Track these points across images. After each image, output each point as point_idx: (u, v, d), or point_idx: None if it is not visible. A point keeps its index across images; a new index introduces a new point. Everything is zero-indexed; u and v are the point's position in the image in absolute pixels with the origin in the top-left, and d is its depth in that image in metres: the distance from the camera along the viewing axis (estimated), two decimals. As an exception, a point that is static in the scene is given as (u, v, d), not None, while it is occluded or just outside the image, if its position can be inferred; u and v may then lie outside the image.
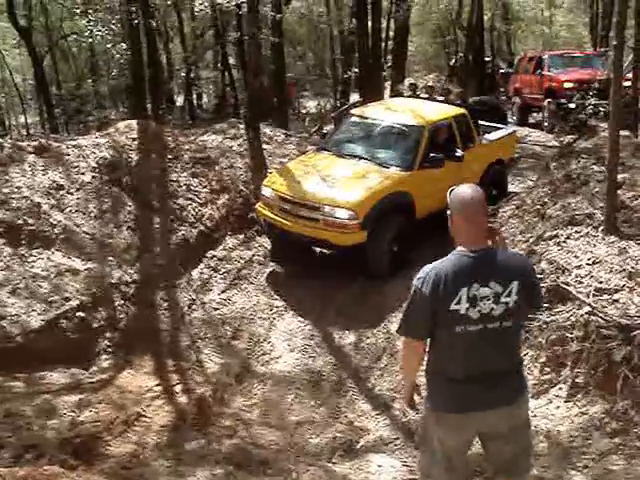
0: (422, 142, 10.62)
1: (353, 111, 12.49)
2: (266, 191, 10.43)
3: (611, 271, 6.98)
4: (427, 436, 4.33)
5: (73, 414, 6.98)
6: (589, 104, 14.71)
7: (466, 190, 4.08)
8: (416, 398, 4.47)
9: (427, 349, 4.20)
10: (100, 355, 8.16)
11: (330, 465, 6.25)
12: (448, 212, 4.12)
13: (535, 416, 6.57)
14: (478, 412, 4.08)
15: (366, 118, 11.71)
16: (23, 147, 10.03)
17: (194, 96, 30.15)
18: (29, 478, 5.23)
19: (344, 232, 9.56)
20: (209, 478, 5.90)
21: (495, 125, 13.38)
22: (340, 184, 9.99)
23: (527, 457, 4.38)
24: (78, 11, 20.34)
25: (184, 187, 10.85)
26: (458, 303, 3.92)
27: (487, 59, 31.62)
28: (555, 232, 7.74)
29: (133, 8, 16.36)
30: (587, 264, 7.14)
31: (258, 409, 7.44)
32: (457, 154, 10.78)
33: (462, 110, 11.87)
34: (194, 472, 6.12)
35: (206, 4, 17.70)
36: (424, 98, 13.43)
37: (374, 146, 11.03)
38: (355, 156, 10.79)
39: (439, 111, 11.88)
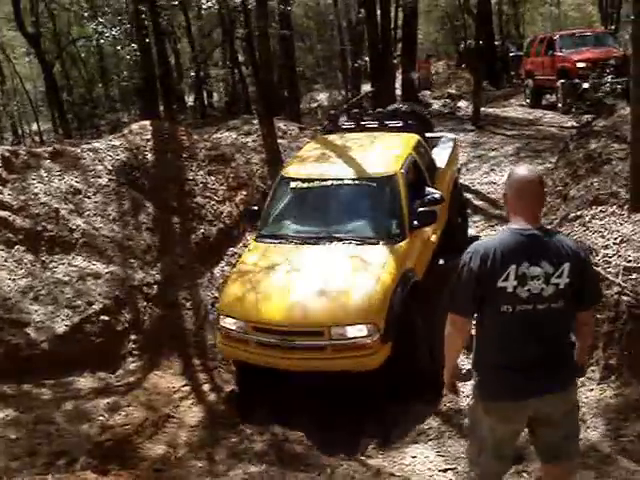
0: (402, 196, 8.12)
1: (284, 172, 9.07)
2: (227, 322, 7.44)
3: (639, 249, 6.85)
4: (475, 424, 4.27)
5: (103, 418, 6.94)
6: (605, 82, 14.55)
7: (523, 170, 4.11)
8: (458, 383, 4.41)
9: (474, 332, 4.13)
10: (126, 358, 8.12)
11: (364, 458, 6.18)
12: (504, 192, 4.16)
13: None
14: (531, 400, 4.02)
15: (309, 180, 8.60)
16: (38, 153, 9.93)
17: (204, 95, 30.13)
18: (63, 485, 5.22)
19: (365, 354, 6.96)
20: (243, 477, 5.84)
21: (433, 136, 11.13)
22: (332, 287, 7.23)
23: (576, 441, 4.32)
24: (86, 14, 20.36)
25: (201, 185, 10.77)
26: (506, 280, 3.85)
27: (497, 43, 31.39)
28: (579, 212, 7.65)
29: (142, 7, 16.30)
30: (614, 243, 7.02)
31: (287, 405, 7.36)
32: (436, 196, 8.45)
33: (417, 137, 9.57)
34: (227, 472, 6.08)
35: (213, 1, 17.57)
36: (349, 128, 10.48)
37: (339, 217, 8.27)
38: (320, 238, 7.97)
39: (395, 147, 9.19)
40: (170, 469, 6.26)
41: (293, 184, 8.68)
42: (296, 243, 8.05)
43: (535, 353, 3.96)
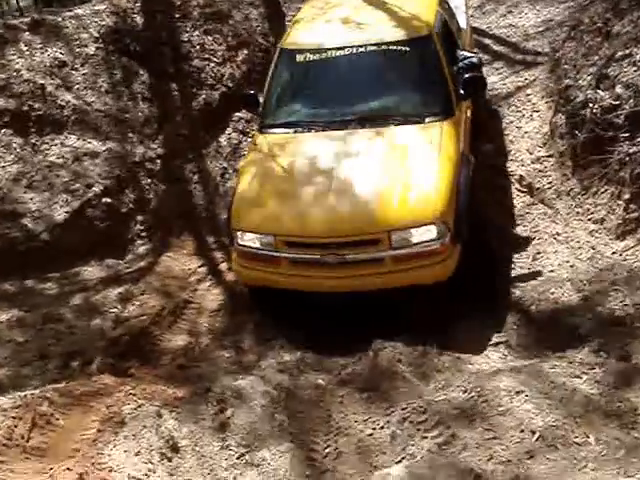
0: (442, 61, 6.70)
1: (286, 43, 7.34)
2: (247, 239, 6.08)
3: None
4: None
5: (116, 310, 6.67)
6: None
7: None
8: None
9: None
10: (134, 241, 7.80)
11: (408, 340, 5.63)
12: None
13: (625, 260, 6.03)
14: None
15: (320, 51, 6.91)
16: (15, 25, 9.15)
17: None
18: (78, 395, 4.81)
19: (434, 263, 5.67)
20: (277, 368, 5.38)
21: None
22: (384, 182, 5.88)
23: None
24: None
25: (198, 47, 9.98)
26: None
27: None
28: (627, 51, 6.83)
29: None
30: (672, 83, 6.32)
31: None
32: (473, 60, 7.12)
33: None
34: (259, 362, 5.65)
35: None
36: None
37: (368, 94, 6.70)
38: (347, 122, 6.51)
39: (420, 3, 7.63)
40: (195, 363, 5.86)
41: (300, 57, 7.01)
42: (317, 130, 6.60)
43: None
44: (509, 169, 7.88)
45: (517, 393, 4.20)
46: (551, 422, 3.94)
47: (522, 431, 3.91)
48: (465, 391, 4.37)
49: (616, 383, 4.15)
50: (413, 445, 3.98)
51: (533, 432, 3.89)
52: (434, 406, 4.25)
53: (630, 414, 3.94)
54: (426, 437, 4.01)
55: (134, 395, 4.74)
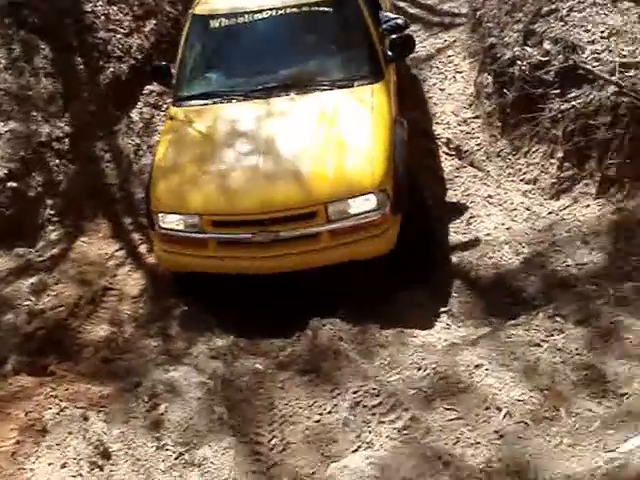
0: (367, 21, 6.42)
1: (198, 9, 6.90)
2: (169, 221, 5.70)
3: (634, 42, 6.03)
4: None
5: (29, 302, 6.21)
6: None
7: None
8: None
9: None
10: (45, 227, 7.27)
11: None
12: None
13: (563, 219, 5.95)
14: None
15: (236, 15, 6.52)
16: None
17: None
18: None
19: (374, 235, 5.40)
20: (209, 354, 5.04)
21: None
22: (315, 150, 5.63)
23: None
24: None
25: (102, 18, 9.43)
26: None
27: None
28: (553, 6, 6.73)
29: None
30: (602, 37, 6.23)
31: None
32: (399, 21, 6.82)
33: None
34: (189, 349, 5.30)
35: None
36: None
37: (290, 59, 6.47)
38: (271, 89, 6.21)
39: None
40: (120, 356, 5.48)
41: (214, 23, 6.60)
42: (238, 100, 6.25)
43: None
44: (435, 132, 7.69)
45: (476, 367, 3.94)
46: (517, 397, 3.71)
47: (487, 409, 3.66)
48: (419, 368, 4.09)
49: (578, 350, 3.95)
50: (370, 432, 3.69)
51: (499, 409, 3.66)
52: (388, 387, 3.96)
53: (598, 383, 3.73)
54: (383, 422, 3.73)
55: (55, 397, 4.35)
